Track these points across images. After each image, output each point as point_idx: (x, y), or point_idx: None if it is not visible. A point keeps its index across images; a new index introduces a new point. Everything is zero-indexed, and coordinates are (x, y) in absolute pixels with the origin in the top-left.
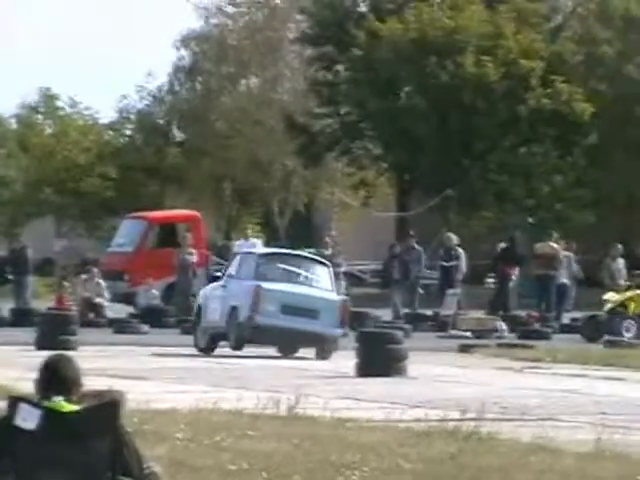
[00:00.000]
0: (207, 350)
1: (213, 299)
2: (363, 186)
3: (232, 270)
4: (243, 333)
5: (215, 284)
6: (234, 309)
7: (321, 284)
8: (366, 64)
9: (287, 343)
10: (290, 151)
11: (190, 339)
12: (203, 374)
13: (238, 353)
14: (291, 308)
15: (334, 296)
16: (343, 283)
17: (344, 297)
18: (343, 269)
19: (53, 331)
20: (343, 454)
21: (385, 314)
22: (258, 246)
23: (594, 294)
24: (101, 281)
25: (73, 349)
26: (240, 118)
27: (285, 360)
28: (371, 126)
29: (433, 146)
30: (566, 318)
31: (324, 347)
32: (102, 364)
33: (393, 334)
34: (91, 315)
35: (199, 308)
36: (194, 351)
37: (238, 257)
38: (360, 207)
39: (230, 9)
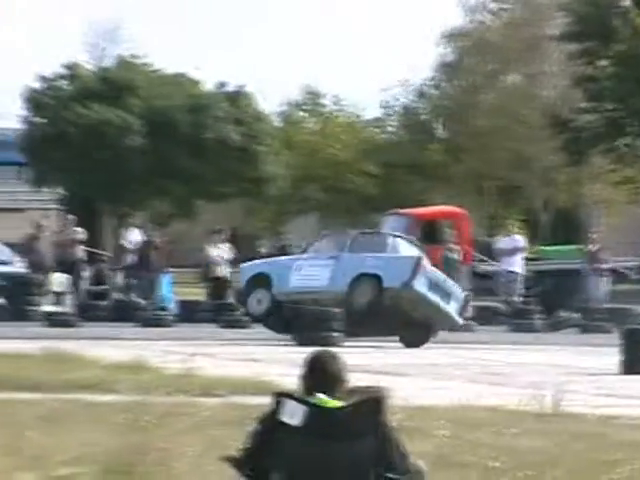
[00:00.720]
0: (263, 317)
1: (303, 268)
2: (627, 182)
3: (337, 246)
4: (382, 299)
5: (287, 257)
6: (363, 276)
7: None
8: (630, 59)
9: (420, 318)
10: (552, 148)
11: None
12: (458, 370)
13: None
14: (436, 287)
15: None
16: (608, 279)
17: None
18: (608, 265)
19: (314, 327)
20: (607, 452)
21: None
22: (518, 242)
23: None
24: None
25: (336, 345)
26: (501, 115)
27: (544, 356)
28: (636, 122)
29: None
30: None
31: (432, 333)
32: (363, 360)
33: None
34: None
35: (259, 276)
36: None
37: (351, 234)
38: (626, 204)
39: (493, 6)
